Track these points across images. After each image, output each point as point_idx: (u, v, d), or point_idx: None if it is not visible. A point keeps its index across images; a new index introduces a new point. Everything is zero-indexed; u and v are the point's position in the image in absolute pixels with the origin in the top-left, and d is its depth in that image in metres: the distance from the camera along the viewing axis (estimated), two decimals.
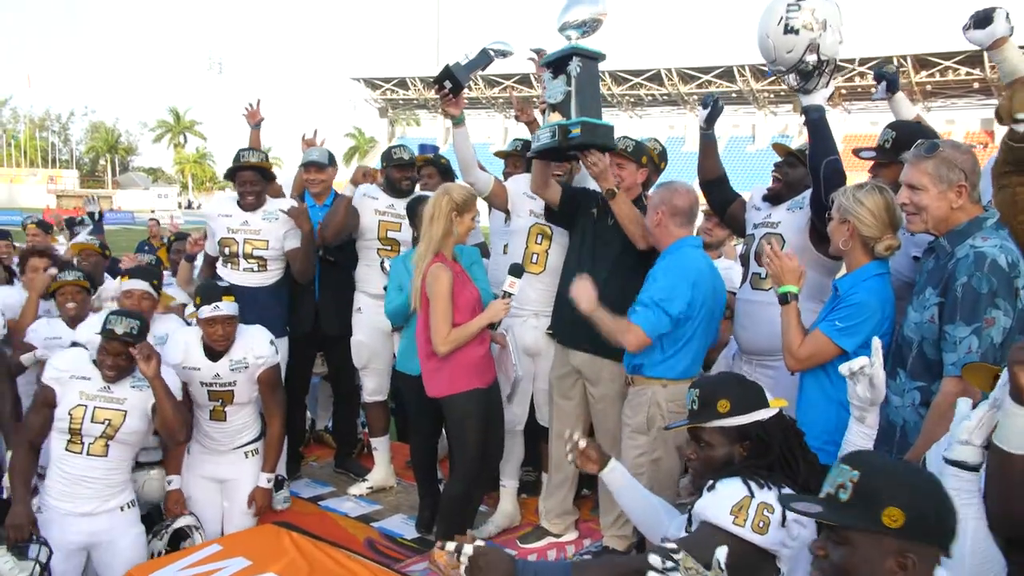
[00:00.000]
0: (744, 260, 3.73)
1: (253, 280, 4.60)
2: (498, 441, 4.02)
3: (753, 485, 2.24)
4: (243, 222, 4.56)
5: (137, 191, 68.83)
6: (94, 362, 3.57)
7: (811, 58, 3.08)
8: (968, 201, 2.55)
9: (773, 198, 3.65)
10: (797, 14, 3.03)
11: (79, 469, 3.51)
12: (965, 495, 1.87)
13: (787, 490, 2.22)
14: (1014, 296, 2.42)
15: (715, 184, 3.98)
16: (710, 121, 3.86)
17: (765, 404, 2.37)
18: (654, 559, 1.89)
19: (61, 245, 7.64)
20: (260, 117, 5.62)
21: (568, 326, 3.98)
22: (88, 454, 3.50)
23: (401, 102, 63.98)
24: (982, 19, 2.75)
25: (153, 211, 44.19)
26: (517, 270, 3.83)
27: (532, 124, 4.60)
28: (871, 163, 3.41)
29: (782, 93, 50.52)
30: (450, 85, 4.04)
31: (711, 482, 2.35)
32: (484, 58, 4.14)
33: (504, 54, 4.20)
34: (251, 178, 4.56)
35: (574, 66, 3.58)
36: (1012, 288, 2.42)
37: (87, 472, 3.51)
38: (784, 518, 2.14)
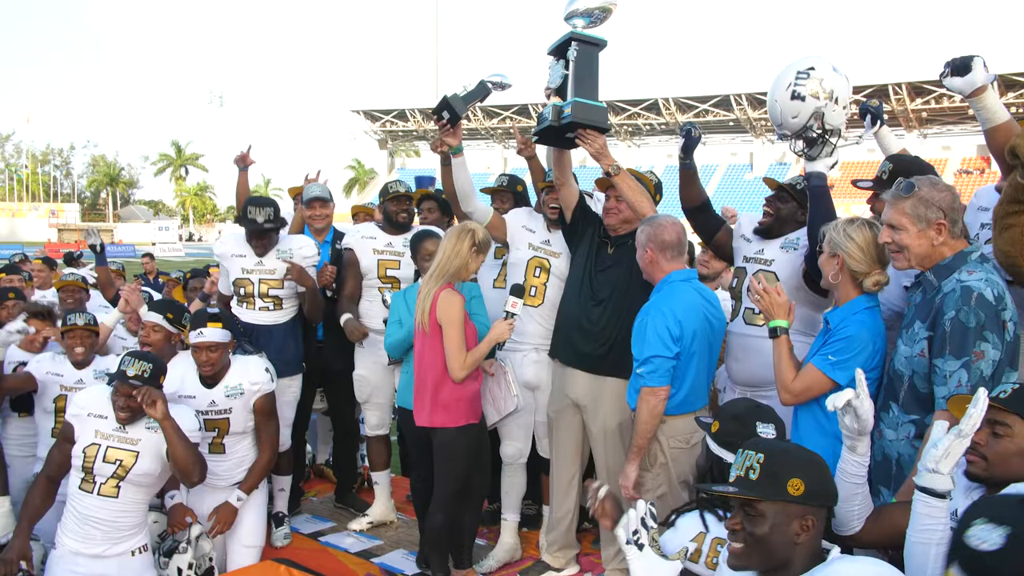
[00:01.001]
0: (735, 294, 3.74)
1: (268, 318, 4.62)
2: (484, 474, 4.04)
3: (710, 519, 2.35)
4: (257, 262, 4.57)
5: (138, 224, 69.08)
6: None
7: (816, 126, 3.16)
8: (949, 237, 2.58)
9: (764, 232, 3.69)
10: (805, 82, 3.12)
11: (90, 509, 3.48)
12: (931, 520, 1.96)
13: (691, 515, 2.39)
14: (1002, 329, 2.45)
15: (699, 211, 3.97)
16: (687, 151, 3.86)
17: (734, 449, 2.42)
18: (641, 505, 2.14)
19: (71, 275, 7.57)
20: (251, 161, 5.61)
21: (568, 347, 4.02)
22: (99, 494, 3.48)
23: (400, 134, 64.43)
24: (960, 67, 2.74)
25: (154, 243, 44.34)
26: (518, 290, 3.89)
27: (533, 160, 4.66)
28: (869, 193, 3.46)
29: None
30: (448, 115, 4.12)
31: (673, 517, 2.48)
32: (482, 90, 4.21)
33: (503, 86, 4.26)
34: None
35: (572, 50, 3.68)
36: (999, 321, 2.45)
37: (97, 512, 3.48)
38: None
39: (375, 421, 4.98)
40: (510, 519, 4.48)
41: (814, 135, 3.21)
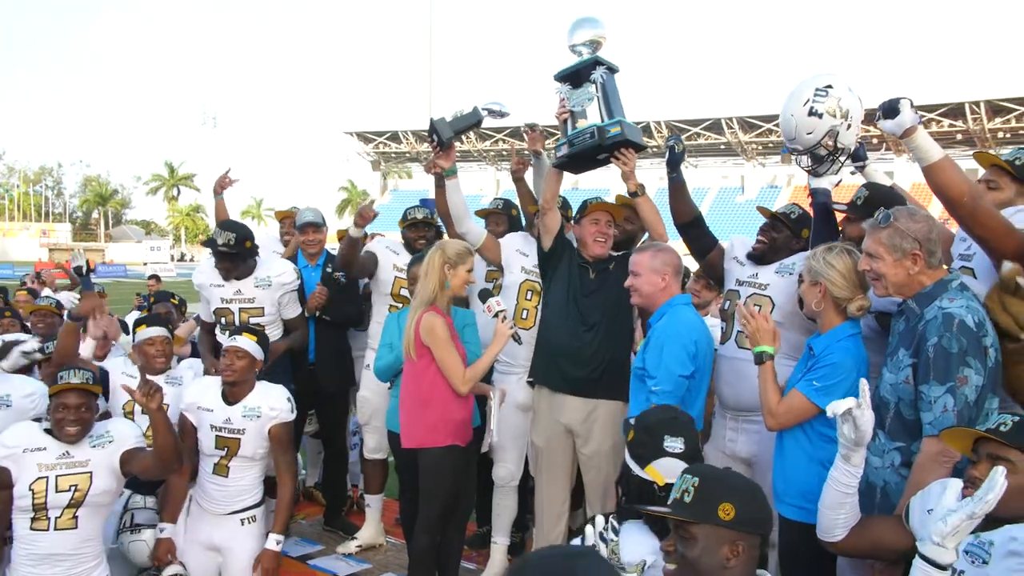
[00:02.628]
0: (727, 316, 3.72)
1: None
2: (470, 496, 4.04)
3: (587, 529, 2.39)
4: (236, 291, 4.54)
5: (130, 244, 68.94)
6: (47, 431, 3.40)
7: (828, 143, 3.21)
8: (926, 266, 2.63)
9: (757, 258, 3.69)
10: (824, 100, 3.17)
11: (47, 547, 3.30)
12: None
13: (635, 523, 2.39)
14: (983, 354, 2.48)
15: (692, 227, 3.92)
16: (673, 166, 3.85)
17: (644, 463, 2.44)
18: (600, 520, 2.18)
19: (46, 299, 7.48)
20: (228, 183, 5.58)
21: (556, 373, 4.03)
22: (56, 529, 3.30)
23: (393, 155, 64.67)
24: (889, 110, 2.76)
25: (146, 263, 44.07)
26: (486, 294, 3.92)
27: (521, 182, 4.70)
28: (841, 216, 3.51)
29: (770, 145, 51.15)
30: (437, 139, 4.13)
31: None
32: (475, 116, 4.20)
33: (501, 114, 4.26)
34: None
35: (599, 73, 3.75)
36: (981, 346, 2.48)
37: (56, 549, 3.30)
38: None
39: (373, 444, 4.97)
40: (500, 542, 4.47)
41: (824, 152, 3.26)
